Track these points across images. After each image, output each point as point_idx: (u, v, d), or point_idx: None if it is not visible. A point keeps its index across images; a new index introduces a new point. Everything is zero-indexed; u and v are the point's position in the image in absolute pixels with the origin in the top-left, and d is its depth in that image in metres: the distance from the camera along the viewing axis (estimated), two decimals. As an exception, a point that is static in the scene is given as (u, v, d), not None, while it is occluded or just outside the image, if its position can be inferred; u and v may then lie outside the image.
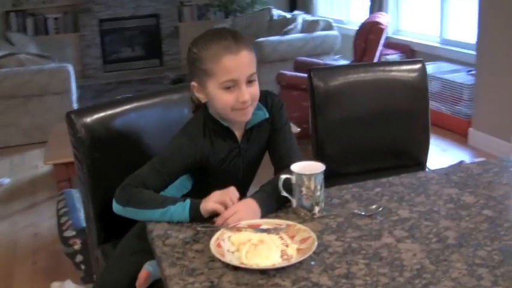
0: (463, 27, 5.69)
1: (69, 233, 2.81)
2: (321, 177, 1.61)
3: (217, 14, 8.19)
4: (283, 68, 6.35)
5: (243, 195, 1.92)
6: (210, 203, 1.58)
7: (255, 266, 1.35)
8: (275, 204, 1.66)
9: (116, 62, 8.09)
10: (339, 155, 2.43)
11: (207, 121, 1.75)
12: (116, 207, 1.68)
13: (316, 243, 1.41)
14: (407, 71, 2.48)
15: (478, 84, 4.72)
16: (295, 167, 1.63)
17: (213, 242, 1.43)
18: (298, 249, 1.42)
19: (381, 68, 2.47)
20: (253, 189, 1.84)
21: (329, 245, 1.45)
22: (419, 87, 2.47)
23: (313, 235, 1.45)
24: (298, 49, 6.44)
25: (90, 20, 7.87)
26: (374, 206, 1.65)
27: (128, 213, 1.66)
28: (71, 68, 5.51)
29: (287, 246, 1.44)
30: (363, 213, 1.62)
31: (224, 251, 1.42)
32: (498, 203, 1.66)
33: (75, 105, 5.42)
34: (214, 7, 7.90)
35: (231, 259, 1.38)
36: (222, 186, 1.79)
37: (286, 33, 6.59)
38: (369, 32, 4.91)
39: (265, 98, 1.81)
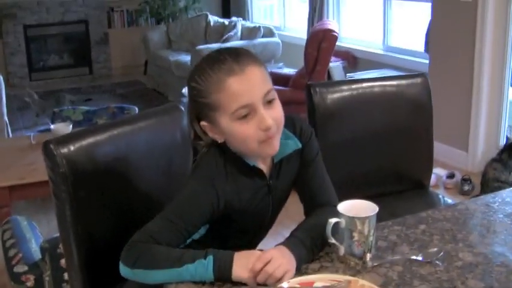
0: (407, 34, 5.65)
1: (20, 268, 2.45)
2: (374, 220, 1.37)
3: (149, 21, 7.80)
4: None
5: (263, 236, 1.66)
6: (245, 273, 1.29)
7: None
8: (310, 254, 1.40)
9: (43, 70, 7.53)
10: (340, 182, 2.18)
11: (227, 160, 1.44)
12: (123, 270, 1.36)
13: (393, 306, 1.16)
14: (409, 85, 2.28)
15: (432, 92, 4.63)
16: (343, 208, 1.38)
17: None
18: (372, 313, 1.16)
19: (382, 83, 2.26)
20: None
21: (402, 304, 1.20)
22: (422, 103, 2.28)
23: (385, 294, 1.20)
24: (239, 57, 6.20)
25: (15, 26, 7.28)
26: (432, 250, 1.42)
27: (136, 276, 1.35)
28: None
29: (355, 309, 1.19)
30: (421, 259, 1.38)
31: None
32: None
33: (5, 118, 4.91)
34: (145, 13, 7.51)
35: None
36: (244, 230, 1.52)
37: (226, 40, 6.33)
38: (322, 40, 4.72)
39: (292, 124, 1.51)
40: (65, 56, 7.70)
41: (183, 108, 1.94)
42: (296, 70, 5.36)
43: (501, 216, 1.61)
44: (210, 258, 1.30)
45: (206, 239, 1.48)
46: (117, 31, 7.77)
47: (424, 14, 4.97)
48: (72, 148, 1.59)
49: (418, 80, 2.29)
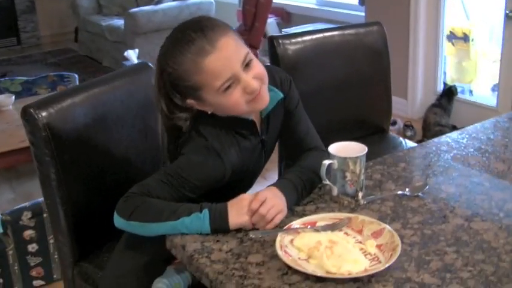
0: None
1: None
2: (364, 160, 1.43)
3: (75, -15, 7.52)
4: (159, 38, 5.99)
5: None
6: (244, 217, 1.32)
7: (347, 275, 1.14)
8: (299, 196, 1.44)
9: (-33, 41, 7.16)
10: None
11: (222, 127, 1.44)
12: (118, 221, 1.38)
13: (397, 236, 1.23)
14: (366, 34, 2.34)
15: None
16: (334, 149, 1.43)
17: (280, 253, 1.20)
18: (379, 246, 1.23)
19: (341, 33, 2.31)
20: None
21: (400, 234, 1.27)
22: (379, 51, 2.35)
23: (386, 226, 1.27)
24: (173, 18, 6.09)
25: None
26: (417, 184, 1.50)
27: (132, 227, 1.37)
28: None
29: (361, 243, 1.25)
30: (409, 193, 1.46)
31: (296, 260, 1.19)
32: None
33: None
34: (71, -23, 7.23)
35: (314, 269, 1.16)
36: (239, 187, 1.55)
37: (159, 2, 6.21)
38: (259, -4, 4.73)
39: (271, 75, 1.52)
40: (-10, 27, 7.35)
41: (152, 66, 1.93)
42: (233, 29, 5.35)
43: (472, 150, 1.71)
44: (206, 211, 1.32)
45: (197, 197, 1.49)
46: (44, -2, 7.47)
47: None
48: (52, 111, 1.57)
49: (374, 28, 2.36)
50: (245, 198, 1.35)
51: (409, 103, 4.42)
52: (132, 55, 4.43)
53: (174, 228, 1.32)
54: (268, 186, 1.42)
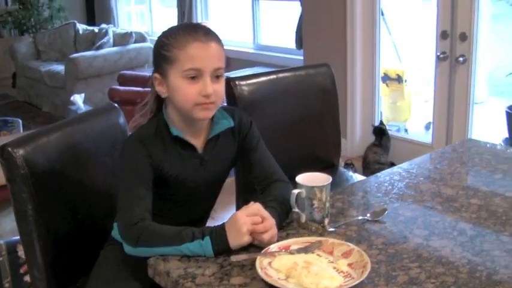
0: (277, 32, 5.94)
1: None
2: (329, 188, 1.55)
3: (12, 32, 7.48)
4: (100, 83, 6.04)
5: (206, 215, 1.80)
6: (244, 239, 1.41)
7: (325, 290, 1.24)
8: (280, 223, 1.55)
9: None
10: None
11: (159, 127, 1.61)
12: (127, 249, 1.48)
13: (366, 255, 1.35)
14: (316, 74, 2.50)
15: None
16: (301, 179, 1.55)
17: (261, 273, 1.29)
18: (350, 264, 1.34)
19: (294, 74, 2.46)
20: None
21: (368, 254, 1.39)
22: (328, 90, 2.51)
23: (355, 247, 1.39)
24: (114, 63, 6.18)
25: None
26: (376, 210, 1.63)
27: (141, 252, 1.46)
28: None
29: (333, 262, 1.36)
30: (370, 219, 1.59)
31: (276, 280, 1.28)
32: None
33: None
34: (8, 24, 7.20)
35: (293, 287, 1.26)
36: (185, 204, 1.69)
37: (100, 47, 6.27)
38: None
39: (232, 112, 1.70)
40: None
41: (118, 107, 2.02)
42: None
43: (422, 178, 1.87)
44: (207, 239, 1.40)
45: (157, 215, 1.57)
46: (-21, 43, 7.39)
47: (292, 11, 5.27)
48: (29, 149, 1.62)
49: (324, 69, 2.52)
50: (238, 218, 1.42)
51: (349, 142, 4.60)
52: (79, 100, 4.47)
53: (179, 251, 1.42)
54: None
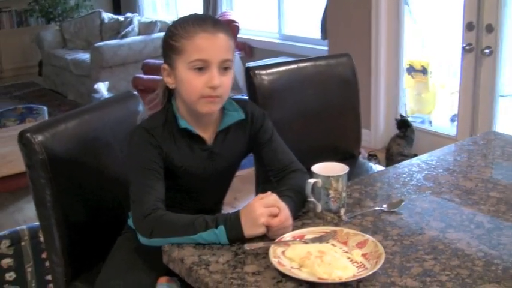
0: (303, 22, 5.91)
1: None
2: (346, 178, 1.54)
3: (39, 20, 7.57)
4: (124, 72, 6.09)
5: (217, 206, 1.80)
6: (259, 229, 1.40)
7: (338, 280, 1.24)
8: (297, 211, 1.54)
9: None
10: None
11: (168, 118, 1.60)
12: (142, 240, 1.48)
13: (380, 245, 1.34)
14: (336, 65, 2.49)
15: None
16: (318, 169, 1.54)
17: (274, 262, 1.29)
18: (364, 255, 1.33)
19: (314, 63, 2.45)
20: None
21: (382, 245, 1.38)
22: (349, 80, 2.49)
23: (369, 237, 1.38)
24: (138, 52, 6.22)
25: None
26: (394, 201, 1.61)
27: (155, 242, 1.46)
28: None
29: (347, 252, 1.35)
30: (387, 210, 1.58)
31: (289, 269, 1.28)
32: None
33: None
34: (35, 12, 7.28)
35: (306, 277, 1.26)
36: (195, 195, 1.68)
37: (125, 35, 6.31)
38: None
39: (243, 104, 1.68)
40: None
41: (137, 94, 2.03)
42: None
43: (441, 170, 1.85)
44: (221, 228, 1.40)
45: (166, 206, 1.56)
46: (6, 32, 7.48)
47: (318, 1, 5.24)
48: (47, 135, 1.64)
49: (344, 59, 2.50)
50: (254, 209, 1.40)
51: (372, 133, 4.58)
52: (102, 87, 4.50)
53: (193, 240, 1.42)
54: None
